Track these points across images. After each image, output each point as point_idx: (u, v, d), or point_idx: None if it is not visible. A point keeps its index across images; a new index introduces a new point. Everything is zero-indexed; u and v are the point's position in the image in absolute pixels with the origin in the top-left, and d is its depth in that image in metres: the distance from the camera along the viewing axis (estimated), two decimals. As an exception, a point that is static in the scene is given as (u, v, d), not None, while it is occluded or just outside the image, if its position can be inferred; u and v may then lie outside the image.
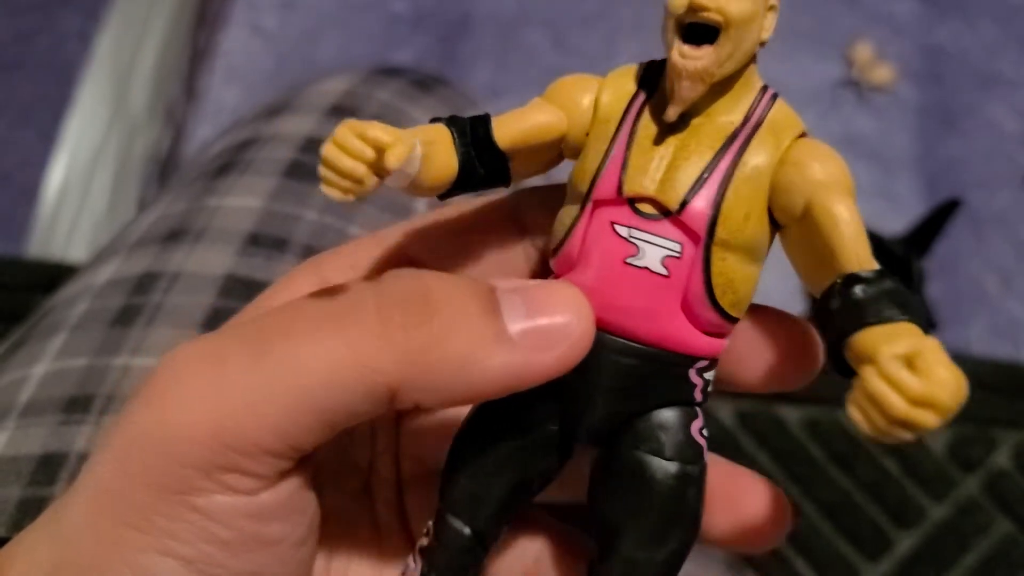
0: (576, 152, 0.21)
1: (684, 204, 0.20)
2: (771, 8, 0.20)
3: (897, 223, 0.94)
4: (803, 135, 0.21)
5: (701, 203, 0.20)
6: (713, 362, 0.22)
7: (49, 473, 0.34)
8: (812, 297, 0.20)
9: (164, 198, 0.46)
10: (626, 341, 0.21)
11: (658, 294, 0.20)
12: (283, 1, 1.09)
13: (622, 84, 0.21)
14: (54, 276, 0.63)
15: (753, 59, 0.20)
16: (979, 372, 0.84)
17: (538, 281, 0.21)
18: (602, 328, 0.20)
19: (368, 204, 0.43)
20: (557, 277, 0.22)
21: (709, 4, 0.18)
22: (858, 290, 0.19)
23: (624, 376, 0.21)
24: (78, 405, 0.36)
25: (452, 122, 0.20)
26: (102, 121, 0.97)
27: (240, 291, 0.39)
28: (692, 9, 0.18)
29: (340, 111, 0.47)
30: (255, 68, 1.05)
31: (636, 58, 0.22)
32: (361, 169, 0.18)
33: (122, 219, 0.93)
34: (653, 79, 0.21)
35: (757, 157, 0.20)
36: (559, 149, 0.22)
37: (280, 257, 0.41)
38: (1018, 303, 0.93)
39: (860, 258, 0.19)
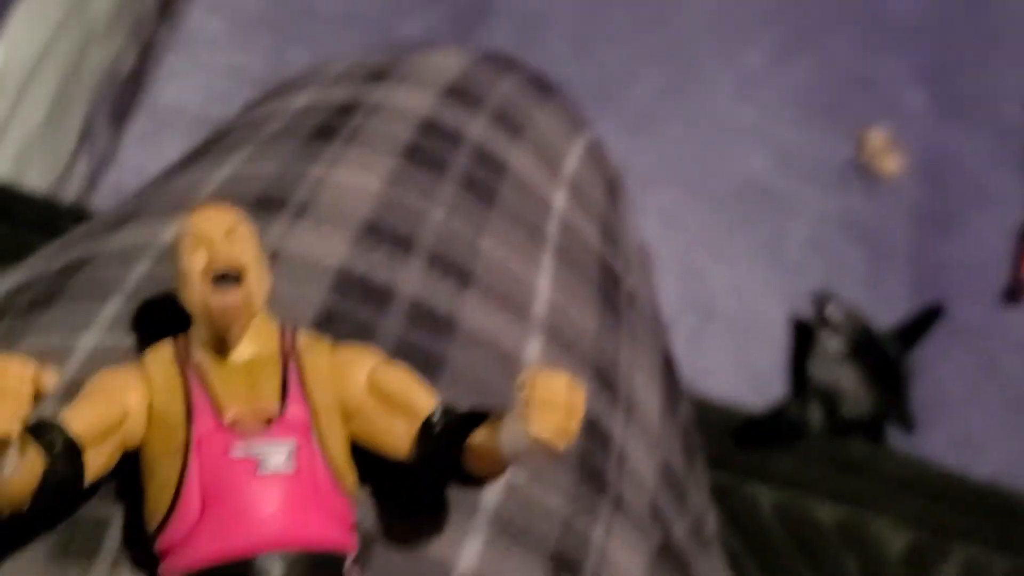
0: (137, 437, 0.22)
1: (283, 406, 0.22)
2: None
3: (883, 315, 0.94)
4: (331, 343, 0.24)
5: (296, 401, 0.22)
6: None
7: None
8: (420, 451, 0.23)
9: (236, 151, 0.37)
10: (284, 552, 0.21)
11: (293, 492, 0.21)
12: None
13: (159, 356, 0.23)
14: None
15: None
16: (937, 482, 0.85)
17: None
18: (261, 551, 0.21)
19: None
20: (175, 548, 0.21)
21: (225, 258, 0.22)
22: (449, 415, 0.22)
23: None
24: None
25: (36, 429, 0.20)
26: (50, 21, 0.84)
27: (357, 293, 0.31)
28: (212, 264, 0.22)
29: (457, 94, 0.40)
30: (243, 2, 0.95)
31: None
32: None
33: (61, 136, 0.81)
34: (182, 342, 0.23)
35: (315, 360, 0.23)
36: (123, 438, 0.22)
37: (405, 259, 0.33)
38: (980, 418, 0.94)
39: (431, 397, 0.23)
